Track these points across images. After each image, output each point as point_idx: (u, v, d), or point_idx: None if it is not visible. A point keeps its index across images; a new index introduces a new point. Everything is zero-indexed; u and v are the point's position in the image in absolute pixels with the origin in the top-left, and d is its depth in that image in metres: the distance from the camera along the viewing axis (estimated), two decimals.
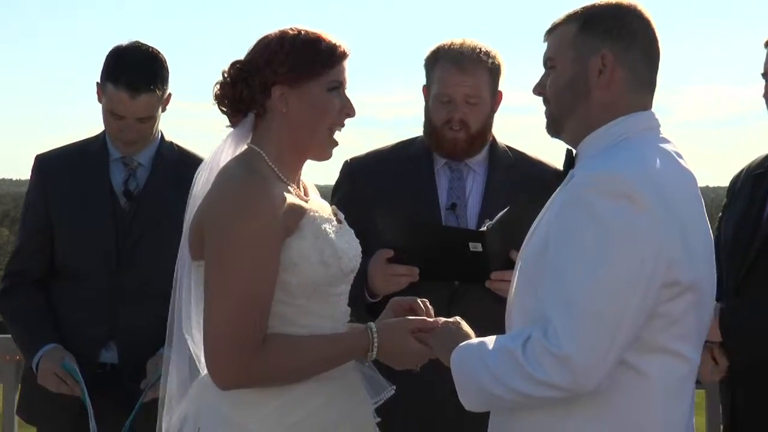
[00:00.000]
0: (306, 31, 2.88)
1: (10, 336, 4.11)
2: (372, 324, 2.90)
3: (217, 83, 2.91)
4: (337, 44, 2.88)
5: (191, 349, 2.92)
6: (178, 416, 2.93)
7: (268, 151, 2.87)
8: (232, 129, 2.93)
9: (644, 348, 2.52)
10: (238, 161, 2.87)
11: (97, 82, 3.92)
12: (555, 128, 2.71)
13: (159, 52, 3.93)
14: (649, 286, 2.47)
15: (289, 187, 2.87)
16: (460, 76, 3.75)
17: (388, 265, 3.63)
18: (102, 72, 3.90)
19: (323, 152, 2.93)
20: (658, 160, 2.56)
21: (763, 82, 3.72)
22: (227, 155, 2.91)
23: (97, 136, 4.02)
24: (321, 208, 2.95)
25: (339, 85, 2.88)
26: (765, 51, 3.72)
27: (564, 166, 2.73)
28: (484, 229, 3.55)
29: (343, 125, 2.92)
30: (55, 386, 3.76)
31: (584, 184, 2.51)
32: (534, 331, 2.48)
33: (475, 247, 3.51)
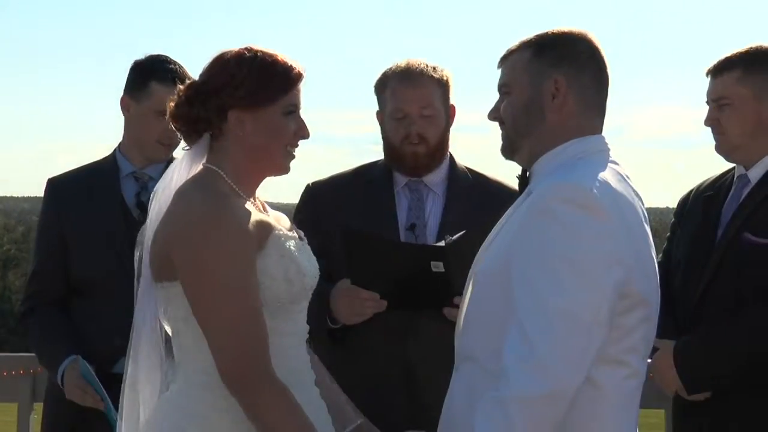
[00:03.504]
0: (263, 52, 2.90)
1: (24, 354, 4.20)
2: None
3: (171, 101, 2.93)
4: (293, 67, 2.91)
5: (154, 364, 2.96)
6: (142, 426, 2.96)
7: (225, 170, 2.90)
8: (186, 149, 2.96)
9: (598, 359, 2.58)
10: (196, 181, 2.89)
11: (124, 96, 4.02)
12: (510, 149, 2.80)
13: None
14: (614, 295, 2.56)
15: (249, 203, 2.90)
16: (411, 90, 3.81)
17: (352, 288, 3.64)
18: (134, 79, 4.00)
19: (280, 169, 2.97)
20: (612, 179, 2.67)
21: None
22: (182, 175, 2.94)
23: (106, 157, 4.11)
24: (284, 224, 3.00)
25: (294, 109, 2.93)
26: (708, 79, 3.85)
27: (519, 186, 2.82)
28: (443, 244, 3.56)
29: (296, 146, 2.96)
30: (80, 399, 3.79)
31: (547, 194, 2.60)
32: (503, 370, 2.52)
33: (437, 266, 3.53)
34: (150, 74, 3.98)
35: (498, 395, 2.51)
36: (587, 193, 2.57)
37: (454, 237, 3.55)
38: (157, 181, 3.88)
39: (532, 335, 2.50)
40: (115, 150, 4.10)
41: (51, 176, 4.13)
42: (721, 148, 3.81)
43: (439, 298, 3.60)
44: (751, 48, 3.80)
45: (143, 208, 3.94)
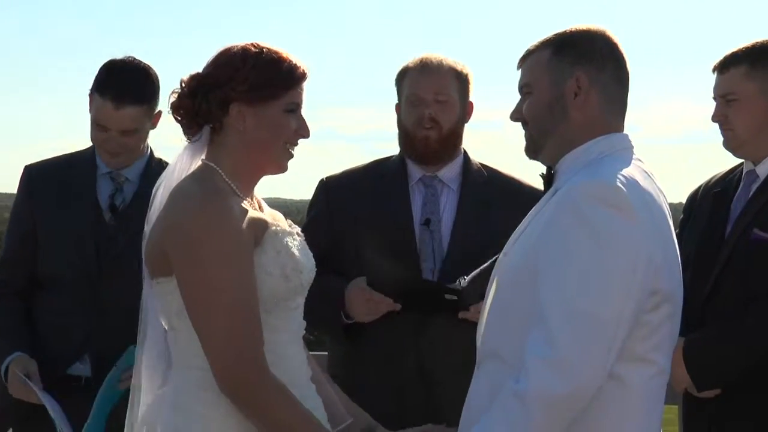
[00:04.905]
0: (268, 49, 2.91)
1: None
2: None
3: (174, 92, 2.93)
4: (298, 65, 2.92)
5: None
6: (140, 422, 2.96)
7: (223, 167, 2.90)
8: (187, 142, 2.95)
9: (625, 357, 2.60)
10: (194, 178, 2.89)
11: (89, 93, 3.95)
12: (534, 149, 2.82)
13: (150, 67, 3.95)
14: (640, 294, 2.58)
15: (246, 202, 2.90)
16: (427, 77, 3.86)
17: (367, 289, 3.67)
18: (93, 83, 3.92)
19: (279, 167, 2.97)
20: (639, 176, 2.68)
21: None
22: (183, 169, 2.94)
23: (86, 150, 4.05)
24: (280, 221, 3.00)
25: (296, 107, 2.93)
26: (714, 75, 3.85)
27: (544, 184, 2.82)
28: (458, 286, 3.62)
29: (296, 144, 2.96)
30: (25, 395, 3.75)
31: (575, 192, 2.61)
32: (525, 358, 2.54)
33: (451, 296, 3.61)
34: (96, 83, 3.90)
35: (517, 389, 2.53)
36: (616, 191, 2.58)
37: (469, 277, 3.62)
38: (133, 183, 3.93)
39: (555, 334, 2.52)
40: (93, 145, 4.02)
41: (28, 163, 4.07)
42: (728, 144, 3.82)
43: (452, 311, 3.67)
44: (757, 43, 3.80)
45: (115, 210, 3.93)
